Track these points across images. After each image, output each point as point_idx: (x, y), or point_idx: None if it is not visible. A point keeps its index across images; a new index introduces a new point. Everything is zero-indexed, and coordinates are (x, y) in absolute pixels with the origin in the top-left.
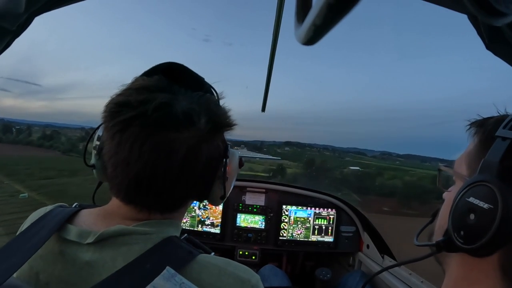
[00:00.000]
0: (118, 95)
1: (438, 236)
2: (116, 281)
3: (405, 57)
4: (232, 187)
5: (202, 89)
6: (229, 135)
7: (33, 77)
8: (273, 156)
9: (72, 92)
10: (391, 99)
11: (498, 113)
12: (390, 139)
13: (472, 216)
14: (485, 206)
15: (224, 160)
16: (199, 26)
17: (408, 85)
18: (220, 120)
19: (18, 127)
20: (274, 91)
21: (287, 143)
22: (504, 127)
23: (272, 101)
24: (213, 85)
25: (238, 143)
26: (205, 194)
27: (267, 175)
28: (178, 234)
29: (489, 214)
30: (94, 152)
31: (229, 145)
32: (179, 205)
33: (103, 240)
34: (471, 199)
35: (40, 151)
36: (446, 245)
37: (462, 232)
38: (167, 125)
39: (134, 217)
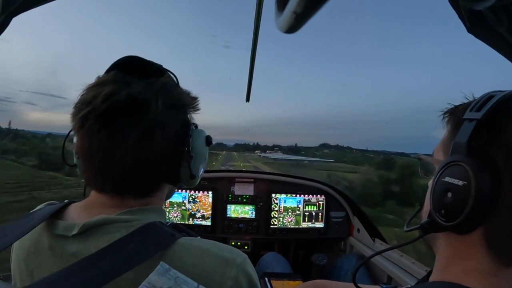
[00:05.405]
0: (81, 94)
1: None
2: (99, 258)
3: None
4: (202, 167)
5: (159, 75)
6: (249, 140)
7: (58, 90)
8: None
9: None
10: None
11: (466, 99)
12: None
13: (449, 195)
14: (460, 183)
15: (187, 139)
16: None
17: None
18: (175, 100)
19: None
20: (294, 96)
21: (324, 145)
22: (470, 110)
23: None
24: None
25: (271, 147)
26: (175, 175)
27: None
28: (163, 221)
29: (465, 189)
30: (74, 151)
31: (193, 125)
32: (151, 189)
33: (87, 231)
34: (447, 179)
35: None
36: (430, 226)
37: (443, 211)
38: (116, 113)
39: (111, 204)
